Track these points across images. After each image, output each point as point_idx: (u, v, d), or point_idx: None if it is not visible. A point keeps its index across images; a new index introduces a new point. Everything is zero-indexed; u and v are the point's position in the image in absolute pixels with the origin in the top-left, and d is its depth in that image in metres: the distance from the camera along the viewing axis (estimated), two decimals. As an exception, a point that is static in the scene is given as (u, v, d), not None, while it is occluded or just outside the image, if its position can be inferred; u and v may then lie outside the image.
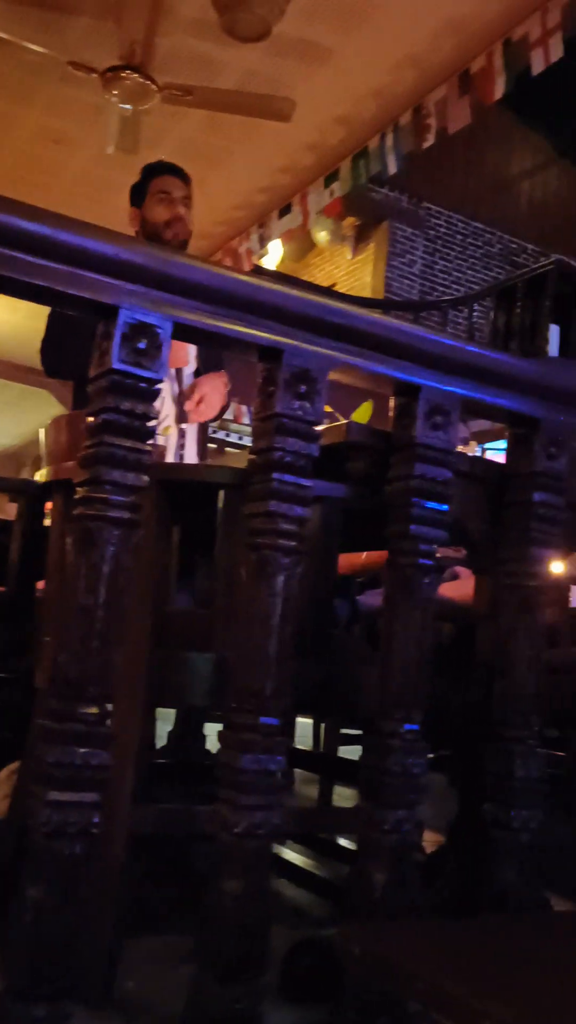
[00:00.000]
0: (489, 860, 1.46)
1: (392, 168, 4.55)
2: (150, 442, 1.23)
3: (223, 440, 6.56)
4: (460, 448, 3.05)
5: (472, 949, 1.05)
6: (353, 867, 1.41)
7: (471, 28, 3.72)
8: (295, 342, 1.29)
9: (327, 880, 2.06)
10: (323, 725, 3.35)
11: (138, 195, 2.83)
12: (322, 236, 10.32)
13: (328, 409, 3.11)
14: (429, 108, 4.15)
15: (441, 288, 10.68)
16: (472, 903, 1.50)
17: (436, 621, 2.48)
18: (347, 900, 1.40)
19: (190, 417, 2.71)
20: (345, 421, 1.57)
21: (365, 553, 2.59)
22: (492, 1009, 0.88)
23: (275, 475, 1.27)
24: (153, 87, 3.98)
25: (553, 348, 6.98)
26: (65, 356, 2.44)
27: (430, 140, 4.32)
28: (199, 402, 2.64)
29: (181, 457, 2.80)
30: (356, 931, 1.11)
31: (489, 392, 1.49)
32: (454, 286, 10.76)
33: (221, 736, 1.28)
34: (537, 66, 3.50)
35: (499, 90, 3.72)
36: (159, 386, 1.21)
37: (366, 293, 10.02)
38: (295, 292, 1.29)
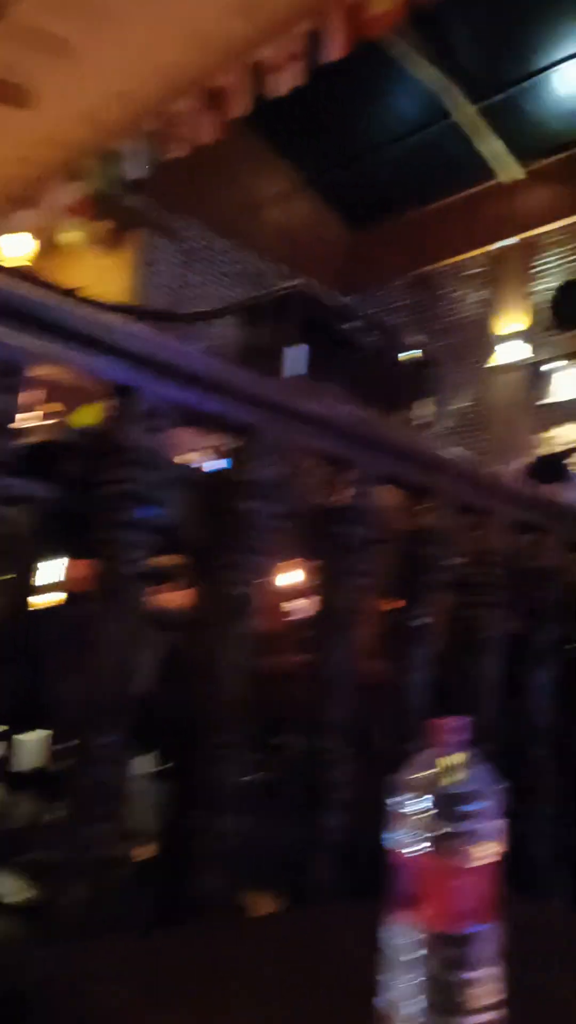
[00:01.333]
0: (193, 866, 1.45)
1: (136, 173, 4.52)
2: None
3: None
4: (196, 456, 3.05)
5: (158, 961, 1.03)
6: (53, 885, 1.35)
7: (216, 44, 3.78)
8: (-3, 332, 1.22)
9: (37, 903, 1.96)
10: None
11: None
12: (72, 237, 10.04)
13: (60, 408, 3.00)
14: (175, 118, 4.16)
15: (193, 301, 10.73)
16: (178, 911, 1.49)
17: (164, 629, 2.46)
18: (47, 920, 1.34)
19: None
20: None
21: None
22: (162, 1021, 0.87)
23: (-32, 472, 1.19)
24: None
25: (302, 367, 7.21)
26: None
27: (177, 151, 4.34)
28: None
29: None
30: (41, 952, 1.05)
31: (205, 398, 1.50)
32: (205, 301, 10.85)
33: None
34: (277, 90, 3.61)
35: (241, 108, 3.81)
36: None
37: (117, 299, 9.86)
38: (-4, 280, 1.23)
